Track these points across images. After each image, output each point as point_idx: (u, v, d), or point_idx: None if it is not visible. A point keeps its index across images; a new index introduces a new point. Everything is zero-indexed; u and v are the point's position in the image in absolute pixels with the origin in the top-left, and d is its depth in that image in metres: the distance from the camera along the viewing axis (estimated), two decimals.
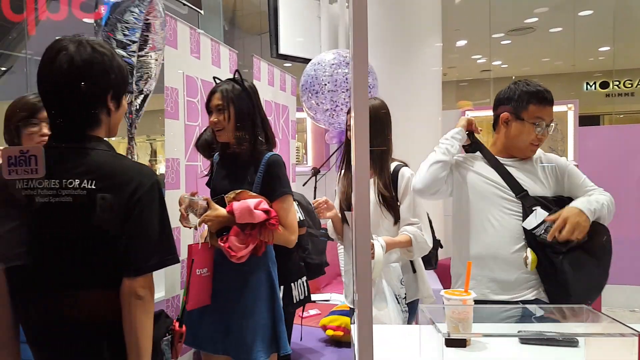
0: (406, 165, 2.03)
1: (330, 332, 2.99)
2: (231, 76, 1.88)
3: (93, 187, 1.17)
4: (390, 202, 1.94)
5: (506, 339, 1.30)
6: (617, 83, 9.02)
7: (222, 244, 1.70)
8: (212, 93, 1.82)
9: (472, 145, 1.84)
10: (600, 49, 8.49)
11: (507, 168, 1.74)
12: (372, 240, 1.81)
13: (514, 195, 1.70)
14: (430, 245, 1.98)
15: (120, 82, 1.27)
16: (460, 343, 0.99)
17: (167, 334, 1.36)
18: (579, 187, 1.73)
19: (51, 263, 1.20)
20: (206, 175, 2.27)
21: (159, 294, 2.29)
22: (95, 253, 1.19)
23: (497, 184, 1.73)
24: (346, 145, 2.07)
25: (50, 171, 1.16)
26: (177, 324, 1.40)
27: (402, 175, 1.97)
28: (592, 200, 1.64)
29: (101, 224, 1.17)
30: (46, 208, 1.18)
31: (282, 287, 2.16)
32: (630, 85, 9.54)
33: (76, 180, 1.17)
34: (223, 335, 1.78)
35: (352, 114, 0.89)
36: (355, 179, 0.87)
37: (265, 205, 1.72)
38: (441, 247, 2.23)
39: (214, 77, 1.94)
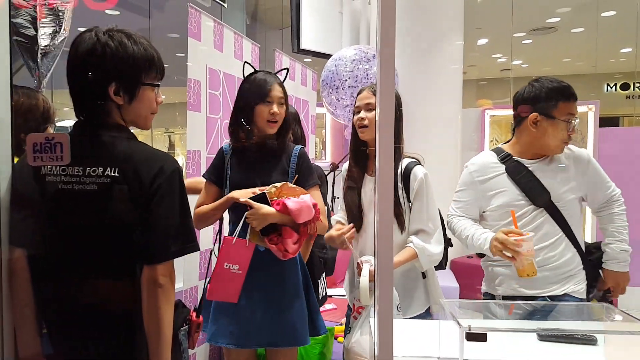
0: (419, 162, 1.90)
1: (341, 340, 3.00)
2: (266, 70, 1.89)
3: (116, 174, 1.17)
4: (396, 207, 1.81)
5: (525, 335, 1.31)
6: (638, 85, 8.85)
7: (273, 245, 1.63)
8: (273, 84, 1.78)
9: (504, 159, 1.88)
10: (622, 51, 8.33)
11: (534, 172, 1.79)
12: (362, 261, 1.72)
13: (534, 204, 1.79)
14: (440, 254, 1.86)
15: (127, 74, 1.23)
16: (481, 337, 1.00)
17: (184, 324, 1.37)
18: (598, 187, 1.81)
19: (73, 250, 1.21)
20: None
21: (178, 285, 2.29)
22: (118, 241, 1.20)
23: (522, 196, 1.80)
24: (353, 142, 1.97)
25: (74, 159, 1.16)
26: (194, 314, 1.42)
27: (415, 175, 1.83)
28: (622, 249, 1.79)
29: (124, 211, 1.18)
30: (69, 195, 1.19)
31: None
32: None
33: (99, 167, 1.18)
34: (265, 328, 1.75)
35: (378, 110, 0.88)
36: (379, 178, 0.85)
37: (312, 198, 1.68)
38: (451, 245, 2.12)
39: (246, 62, 1.91)
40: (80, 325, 1.22)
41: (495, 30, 7.27)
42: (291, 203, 1.62)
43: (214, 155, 1.91)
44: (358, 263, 1.73)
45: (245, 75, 1.85)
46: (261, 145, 1.81)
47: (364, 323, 1.63)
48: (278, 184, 1.67)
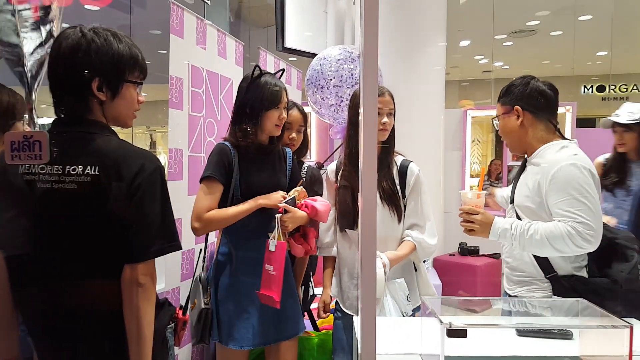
0: (411, 161, 1.98)
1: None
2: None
3: (97, 173, 1.16)
4: (394, 199, 1.89)
5: (504, 331, 1.34)
6: (613, 87, 9.10)
7: (299, 245, 1.76)
8: (282, 89, 1.83)
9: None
10: (598, 54, 8.56)
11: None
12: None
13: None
14: (435, 246, 1.94)
15: (111, 70, 1.22)
16: (461, 334, 1.02)
17: (170, 322, 1.36)
18: (552, 205, 1.58)
19: (53, 250, 1.19)
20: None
21: (159, 286, 2.24)
22: (98, 240, 1.19)
23: None
24: (348, 140, 1.99)
25: (53, 157, 1.15)
26: (180, 312, 1.41)
27: (412, 171, 1.92)
28: (518, 227, 1.59)
29: (104, 210, 1.16)
30: (49, 194, 1.17)
31: (302, 287, 2.19)
32: (625, 90, 9.65)
33: (79, 166, 1.16)
34: (274, 324, 1.81)
35: (362, 109, 0.89)
36: (363, 176, 0.85)
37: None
38: None
39: (256, 65, 1.89)
40: (61, 325, 1.21)
41: (477, 32, 7.38)
42: (319, 205, 1.76)
43: (197, 155, 1.91)
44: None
45: (252, 77, 1.84)
46: (265, 147, 1.86)
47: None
48: (299, 188, 1.82)
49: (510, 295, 1.75)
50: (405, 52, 3.64)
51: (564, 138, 1.73)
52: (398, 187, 1.91)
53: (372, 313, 0.86)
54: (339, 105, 2.96)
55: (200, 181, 1.79)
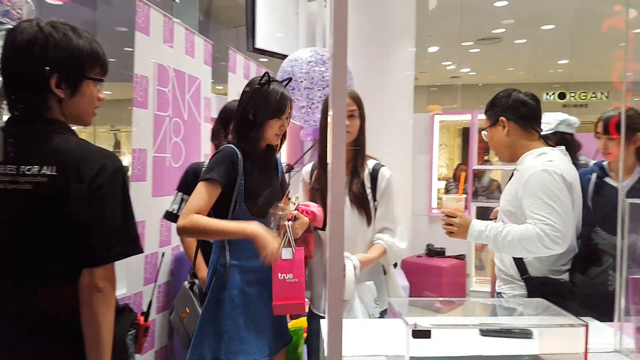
0: (383, 165, 2.00)
1: None
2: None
3: (54, 173, 1.12)
4: (364, 202, 1.89)
5: (467, 330, 1.36)
6: (573, 95, 9.48)
7: (303, 249, 1.75)
8: (288, 99, 1.81)
9: None
10: (560, 62, 8.90)
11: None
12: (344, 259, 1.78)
13: None
14: (405, 250, 1.98)
15: (70, 66, 1.17)
16: (426, 334, 1.03)
17: (131, 328, 1.32)
18: (525, 208, 1.64)
19: (8, 254, 1.15)
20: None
21: (121, 291, 2.22)
22: (55, 243, 1.15)
23: None
24: (319, 143, 2.00)
25: (8, 156, 1.11)
26: (142, 318, 1.37)
27: (383, 175, 1.94)
28: (492, 229, 1.65)
29: (62, 212, 1.13)
30: (2, 195, 1.13)
31: None
32: (584, 97, 10.08)
33: (35, 165, 1.12)
34: (278, 332, 1.81)
35: (330, 112, 0.89)
36: (332, 178, 0.85)
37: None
38: None
39: (267, 72, 1.87)
40: (17, 331, 1.16)
41: (445, 38, 7.54)
42: (317, 211, 1.80)
43: (162, 155, 1.86)
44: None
45: (260, 83, 1.79)
46: (267, 154, 1.85)
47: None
48: (297, 194, 1.89)
49: (498, 293, 1.84)
50: (376, 57, 3.67)
51: (548, 145, 1.80)
52: (369, 190, 1.92)
53: (339, 314, 0.86)
54: (310, 108, 2.96)
55: (201, 180, 1.68)
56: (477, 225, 1.68)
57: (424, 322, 1.04)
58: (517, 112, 1.77)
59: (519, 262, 1.72)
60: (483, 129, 1.90)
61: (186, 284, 2.08)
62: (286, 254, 1.65)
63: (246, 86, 1.83)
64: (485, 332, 1.35)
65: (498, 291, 1.84)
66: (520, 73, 10.08)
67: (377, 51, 3.70)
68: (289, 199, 1.85)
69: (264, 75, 1.81)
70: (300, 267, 1.65)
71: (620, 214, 1.35)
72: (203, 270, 2.12)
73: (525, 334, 1.33)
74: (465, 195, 1.85)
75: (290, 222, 1.70)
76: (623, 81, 1.37)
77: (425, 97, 7.78)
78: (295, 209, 1.77)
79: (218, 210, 1.70)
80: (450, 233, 1.73)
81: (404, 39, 3.90)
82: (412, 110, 4.06)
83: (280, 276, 1.63)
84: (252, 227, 1.60)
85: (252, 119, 1.75)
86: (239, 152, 1.73)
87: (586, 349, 1.04)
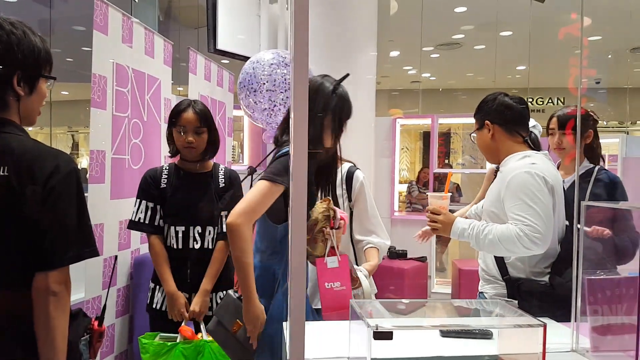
0: (357, 168, 2.06)
1: None
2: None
3: (5, 173, 1.10)
4: (336, 206, 1.84)
5: (429, 332, 1.38)
6: (531, 100, 9.84)
7: (347, 256, 1.71)
8: None
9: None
10: (518, 68, 9.22)
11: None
12: (357, 273, 1.80)
13: None
14: (388, 245, 2.07)
15: (30, 64, 1.19)
16: (387, 336, 1.04)
17: (85, 334, 1.29)
18: (507, 209, 1.68)
19: None
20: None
21: (78, 295, 2.15)
22: (7, 245, 1.11)
23: None
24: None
25: None
26: (96, 323, 1.34)
27: (357, 178, 1.99)
28: (475, 227, 1.69)
29: (14, 214, 1.10)
30: None
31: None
32: (541, 103, 10.49)
33: None
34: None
35: (292, 115, 0.89)
36: (293, 180, 0.86)
37: None
38: None
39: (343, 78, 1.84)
40: None
41: (406, 43, 7.69)
42: (345, 216, 1.74)
43: (120, 157, 1.80)
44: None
45: (334, 86, 1.76)
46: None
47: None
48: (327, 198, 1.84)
49: (480, 292, 1.87)
50: (337, 60, 3.69)
51: (532, 149, 1.84)
52: (345, 192, 1.97)
53: (301, 317, 0.86)
54: (272, 110, 2.95)
55: (267, 180, 1.50)
56: (460, 223, 1.72)
57: (385, 323, 1.05)
58: (501, 116, 1.80)
59: (501, 263, 1.77)
60: (471, 133, 1.95)
61: (232, 293, 1.79)
62: (331, 262, 1.60)
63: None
64: (446, 333, 1.37)
65: (480, 291, 1.88)
66: (479, 78, 10.38)
67: (339, 54, 3.72)
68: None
69: (340, 80, 1.79)
70: (347, 274, 1.62)
71: (576, 216, 1.40)
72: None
73: (485, 334, 1.36)
74: (450, 194, 1.90)
75: (334, 230, 1.64)
76: (578, 87, 1.42)
77: (387, 101, 7.91)
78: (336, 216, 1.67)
79: (272, 214, 1.57)
80: (434, 230, 1.79)
81: (365, 43, 3.94)
82: (375, 114, 4.11)
83: (327, 285, 1.58)
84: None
85: (338, 122, 1.73)
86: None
87: (544, 348, 1.07)
